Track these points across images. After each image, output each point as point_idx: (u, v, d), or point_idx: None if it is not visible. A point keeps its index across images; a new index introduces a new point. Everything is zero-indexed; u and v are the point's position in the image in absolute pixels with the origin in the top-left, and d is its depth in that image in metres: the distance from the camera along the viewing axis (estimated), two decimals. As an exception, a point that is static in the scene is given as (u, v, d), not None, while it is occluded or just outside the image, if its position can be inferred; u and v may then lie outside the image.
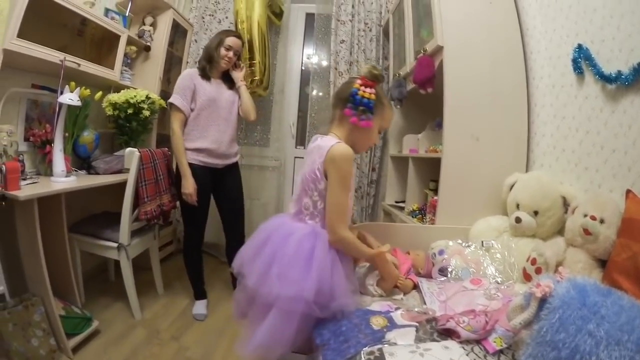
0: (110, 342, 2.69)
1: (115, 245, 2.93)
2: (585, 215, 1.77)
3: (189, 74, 3.09)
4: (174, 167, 3.29)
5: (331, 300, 1.62)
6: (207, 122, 3.07)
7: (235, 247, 2.05)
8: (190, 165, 3.04)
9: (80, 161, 3.29)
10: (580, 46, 2.09)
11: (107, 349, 2.62)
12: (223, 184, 3.29)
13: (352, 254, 1.88)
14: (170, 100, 3.04)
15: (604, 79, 1.92)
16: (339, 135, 1.89)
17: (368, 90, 1.84)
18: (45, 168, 2.87)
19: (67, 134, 2.87)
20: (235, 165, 3.35)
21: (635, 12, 1.76)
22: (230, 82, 3.23)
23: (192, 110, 3.05)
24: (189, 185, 2.97)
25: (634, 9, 1.78)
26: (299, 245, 1.71)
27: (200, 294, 3.37)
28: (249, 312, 1.77)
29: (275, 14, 4.55)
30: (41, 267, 2.36)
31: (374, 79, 1.86)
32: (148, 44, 3.95)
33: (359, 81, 1.85)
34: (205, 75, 3.09)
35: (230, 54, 3.09)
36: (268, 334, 1.60)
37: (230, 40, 3.08)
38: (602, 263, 1.73)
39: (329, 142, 1.78)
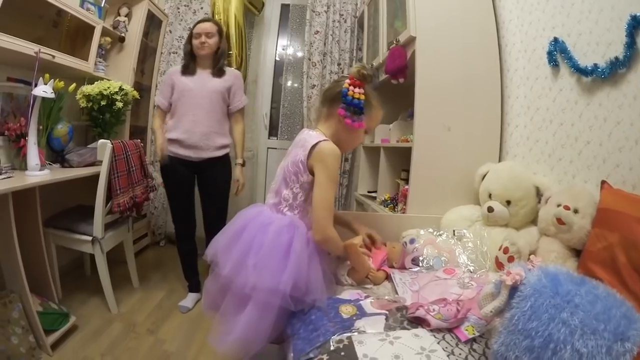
0: (88, 338, 2.65)
1: (90, 238, 2.87)
2: (559, 205, 1.77)
3: (169, 72, 3.15)
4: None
5: (306, 294, 1.59)
6: (181, 111, 3.00)
7: None
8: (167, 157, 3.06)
9: (55, 154, 3.21)
10: (556, 39, 2.10)
11: (85, 344, 2.58)
12: (202, 180, 3.21)
13: (333, 251, 1.87)
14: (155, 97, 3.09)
15: (580, 71, 1.93)
16: (326, 132, 1.85)
17: (357, 90, 1.80)
18: (20, 162, 2.79)
19: (41, 127, 2.80)
20: (217, 160, 3.14)
21: (615, 7, 1.77)
22: (219, 71, 3.10)
23: (174, 102, 3.04)
24: (158, 142, 3.06)
25: (614, 3, 1.78)
26: (277, 237, 1.68)
27: (190, 287, 3.34)
28: (222, 303, 1.71)
29: (254, 5, 4.52)
30: (17, 263, 2.30)
31: (361, 79, 1.81)
32: (123, 34, 3.86)
33: (347, 81, 1.81)
34: (187, 71, 3.03)
35: (202, 38, 2.98)
36: (246, 327, 1.57)
37: (197, 28, 3.01)
38: (577, 253, 1.74)
39: (315, 138, 1.75)
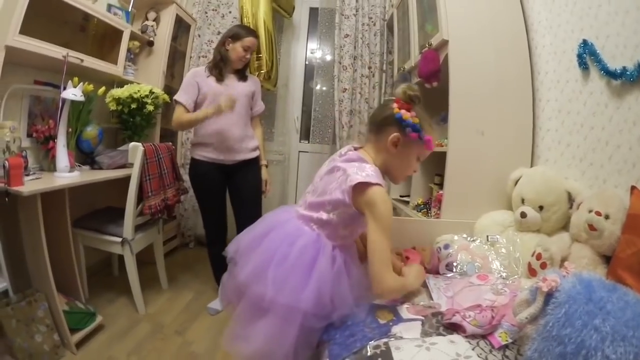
0: (114, 337, 2.72)
1: (119, 240, 2.94)
2: (591, 211, 1.77)
3: (192, 72, 3.13)
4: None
5: (332, 311, 1.55)
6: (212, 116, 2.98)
7: None
8: (197, 161, 3.13)
9: (84, 156, 3.32)
10: (585, 42, 2.09)
11: (111, 343, 2.64)
12: (234, 183, 3.26)
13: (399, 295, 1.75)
14: (175, 97, 3.07)
15: (609, 74, 1.92)
16: (373, 157, 1.74)
17: (410, 113, 1.65)
18: (48, 164, 2.91)
19: (70, 130, 2.89)
20: (249, 163, 3.24)
21: (640, 8, 1.76)
22: (243, 76, 3.21)
23: (197, 105, 3.05)
24: (212, 109, 2.89)
25: (639, 5, 1.77)
26: (302, 252, 1.60)
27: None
28: (237, 304, 1.68)
29: (284, 9, 4.56)
30: (45, 263, 2.38)
31: (408, 101, 1.67)
32: (151, 39, 3.97)
33: (395, 105, 1.67)
34: (218, 76, 3.08)
35: (248, 53, 3.11)
36: (265, 340, 1.53)
37: (248, 41, 3.08)
38: (607, 259, 1.73)
39: (360, 174, 1.57)
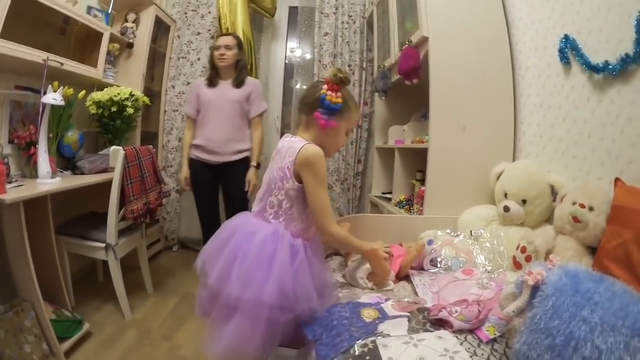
0: (102, 344, 2.66)
1: (103, 245, 2.89)
2: (574, 203, 1.78)
3: (194, 84, 3.66)
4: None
5: (296, 303, 1.58)
6: (204, 121, 3.41)
7: None
8: (192, 160, 3.46)
9: (65, 161, 3.25)
10: (566, 37, 2.10)
11: (99, 351, 2.59)
12: (224, 183, 3.54)
13: (346, 249, 1.98)
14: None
15: (591, 69, 1.93)
16: (307, 138, 1.83)
17: (334, 94, 1.78)
18: (30, 170, 2.82)
19: (51, 135, 2.82)
20: (235, 164, 3.44)
21: (623, 4, 1.77)
22: (238, 82, 3.42)
23: (198, 112, 3.46)
24: (182, 172, 3.51)
25: (622, 1, 1.78)
26: (261, 247, 1.67)
27: None
28: (212, 311, 1.72)
29: (265, 10, 4.56)
30: (30, 271, 2.31)
31: (339, 82, 1.78)
32: (131, 40, 3.91)
33: (325, 86, 1.79)
34: (211, 82, 3.43)
35: (222, 50, 3.34)
36: (234, 337, 1.58)
37: (217, 41, 3.42)
38: (592, 250, 1.74)
39: (299, 143, 1.75)
